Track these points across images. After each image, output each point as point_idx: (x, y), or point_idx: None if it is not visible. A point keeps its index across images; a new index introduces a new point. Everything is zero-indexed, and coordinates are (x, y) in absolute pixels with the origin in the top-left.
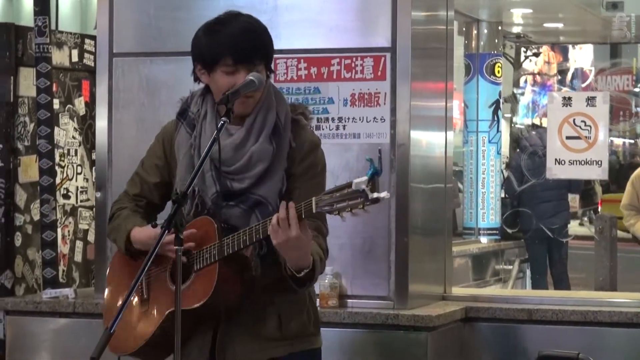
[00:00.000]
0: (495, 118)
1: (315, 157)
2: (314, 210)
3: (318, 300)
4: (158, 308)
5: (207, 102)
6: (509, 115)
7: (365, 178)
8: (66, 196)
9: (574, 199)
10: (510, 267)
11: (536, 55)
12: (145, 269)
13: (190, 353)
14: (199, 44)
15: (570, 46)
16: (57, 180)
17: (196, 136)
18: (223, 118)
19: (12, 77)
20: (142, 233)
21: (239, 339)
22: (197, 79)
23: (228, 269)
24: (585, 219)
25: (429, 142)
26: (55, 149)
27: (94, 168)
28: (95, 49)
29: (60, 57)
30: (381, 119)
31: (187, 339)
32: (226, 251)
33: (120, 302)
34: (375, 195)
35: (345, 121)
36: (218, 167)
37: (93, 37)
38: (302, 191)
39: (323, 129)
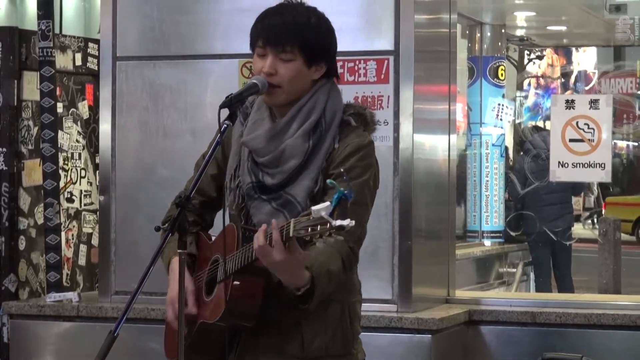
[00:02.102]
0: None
1: (357, 159)
2: (291, 234)
3: None
4: (192, 318)
5: None
6: (512, 118)
7: (327, 204)
8: (70, 200)
9: (577, 202)
10: (514, 270)
11: (540, 58)
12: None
13: None
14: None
15: (573, 49)
16: (61, 184)
17: (245, 125)
18: (226, 121)
19: (15, 81)
20: (174, 272)
21: (262, 355)
22: None
23: (244, 282)
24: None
25: (433, 145)
26: (59, 153)
27: (97, 172)
28: (99, 53)
29: (63, 60)
30: (384, 122)
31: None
32: (235, 266)
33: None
34: (338, 223)
35: None
36: (254, 158)
37: (97, 41)
38: None
39: None
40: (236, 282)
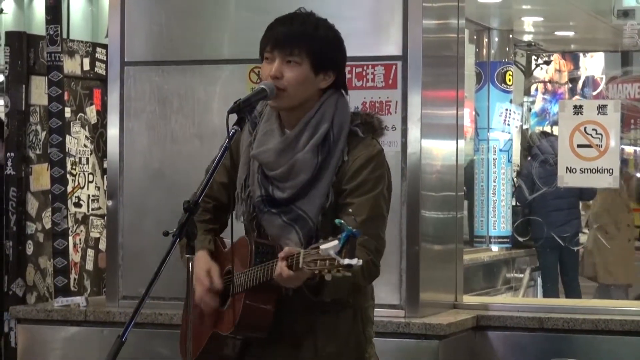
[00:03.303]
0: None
1: (369, 172)
2: (300, 265)
3: None
4: (207, 325)
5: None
6: (520, 123)
7: (335, 243)
8: (77, 204)
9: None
10: (521, 275)
11: (547, 63)
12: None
13: None
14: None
15: (581, 54)
16: (69, 189)
17: (254, 135)
18: (234, 127)
19: (24, 86)
20: (199, 258)
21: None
22: None
23: (257, 297)
24: None
25: (440, 150)
26: (67, 158)
27: (105, 176)
28: (107, 58)
29: (71, 65)
30: (392, 128)
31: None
32: (250, 284)
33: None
34: (346, 262)
35: None
36: (264, 171)
37: (104, 46)
38: (354, 207)
39: None
40: (249, 298)
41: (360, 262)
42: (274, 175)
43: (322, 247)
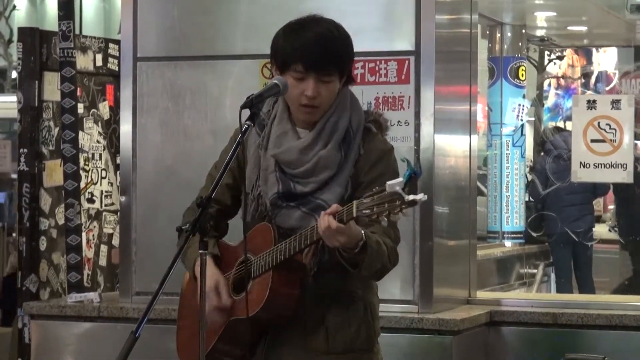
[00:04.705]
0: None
1: (384, 165)
2: (354, 214)
3: None
4: (220, 317)
5: (279, 102)
6: (533, 118)
7: (400, 180)
8: (91, 200)
9: (597, 202)
10: (535, 270)
11: (560, 58)
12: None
13: None
14: (276, 42)
15: (594, 49)
16: (82, 185)
17: (264, 137)
18: (247, 122)
19: (36, 82)
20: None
21: (288, 350)
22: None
23: (284, 276)
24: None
25: (453, 146)
26: (80, 153)
27: (118, 172)
28: (120, 54)
29: (84, 61)
30: (405, 123)
31: (253, 348)
32: (278, 258)
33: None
34: (411, 197)
35: None
36: (283, 169)
37: (117, 42)
38: None
39: None
40: (275, 277)
41: (425, 197)
42: (296, 173)
43: (389, 182)
